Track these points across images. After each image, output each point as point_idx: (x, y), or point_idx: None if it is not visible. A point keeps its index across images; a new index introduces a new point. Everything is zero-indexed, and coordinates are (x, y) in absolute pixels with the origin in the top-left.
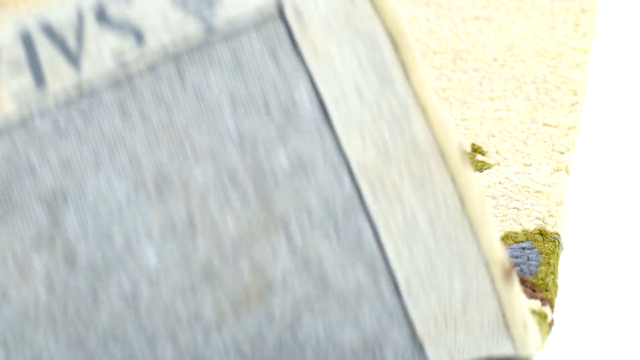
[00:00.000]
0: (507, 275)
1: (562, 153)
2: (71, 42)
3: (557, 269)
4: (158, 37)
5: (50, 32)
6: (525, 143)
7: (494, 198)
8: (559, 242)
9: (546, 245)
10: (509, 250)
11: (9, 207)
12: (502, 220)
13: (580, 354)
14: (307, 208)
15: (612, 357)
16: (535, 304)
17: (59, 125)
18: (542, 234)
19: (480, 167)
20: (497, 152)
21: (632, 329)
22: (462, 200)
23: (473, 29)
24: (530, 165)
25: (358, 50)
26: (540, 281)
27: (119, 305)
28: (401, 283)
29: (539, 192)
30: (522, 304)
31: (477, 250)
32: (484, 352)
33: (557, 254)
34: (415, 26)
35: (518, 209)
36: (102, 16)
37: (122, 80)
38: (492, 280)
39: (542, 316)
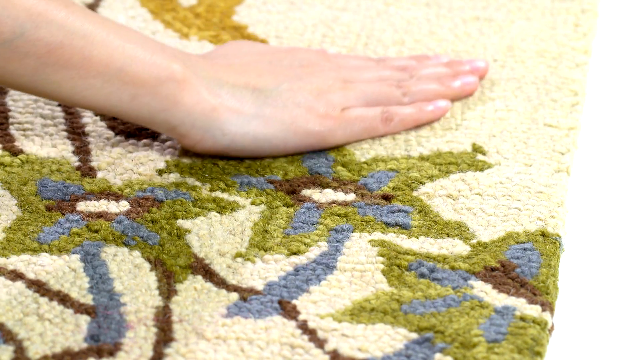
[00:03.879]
0: None
1: (562, 154)
2: None
3: (557, 271)
4: None
5: None
6: (525, 143)
7: (495, 198)
8: (560, 244)
9: (547, 246)
10: (510, 251)
11: None
12: (504, 221)
13: (581, 356)
14: None
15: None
16: (536, 309)
17: None
18: (543, 235)
19: (481, 167)
20: (497, 152)
21: (632, 331)
22: None
23: (473, 30)
24: (531, 165)
25: None
26: (541, 284)
27: None
28: None
29: (540, 192)
30: None
31: None
32: None
33: (558, 255)
34: (416, 27)
35: (519, 209)
36: None
37: None
38: None
39: (542, 324)
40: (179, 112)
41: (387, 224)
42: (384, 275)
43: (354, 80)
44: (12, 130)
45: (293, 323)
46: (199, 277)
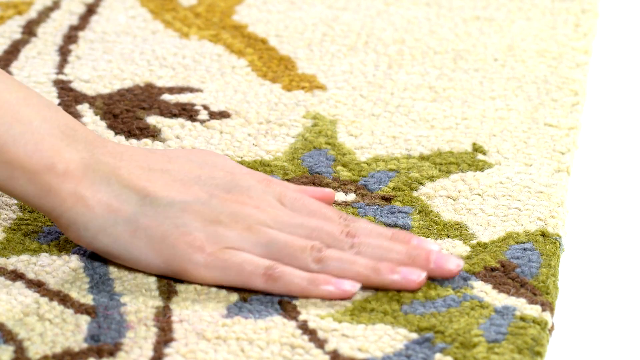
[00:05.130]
0: None
1: (563, 153)
2: None
3: (557, 270)
4: None
5: None
6: (526, 143)
7: (495, 198)
8: (560, 244)
9: (547, 246)
10: (510, 251)
11: None
12: (504, 221)
13: (581, 356)
14: None
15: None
16: (536, 309)
17: None
18: (543, 235)
19: (482, 166)
20: (498, 152)
21: (632, 331)
22: None
23: (474, 29)
24: (531, 165)
25: None
26: (541, 284)
27: None
28: None
29: (540, 192)
30: None
31: None
32: None
33: (558, 255)
34: (416, 26)
35: (519, 209)
36: None
37: None
38: None
39: (542, 324)
40: (52, 199)
41: (388, 225)
42: None
43: (273, 227)
44: None
45: (293, 323)
46: None
